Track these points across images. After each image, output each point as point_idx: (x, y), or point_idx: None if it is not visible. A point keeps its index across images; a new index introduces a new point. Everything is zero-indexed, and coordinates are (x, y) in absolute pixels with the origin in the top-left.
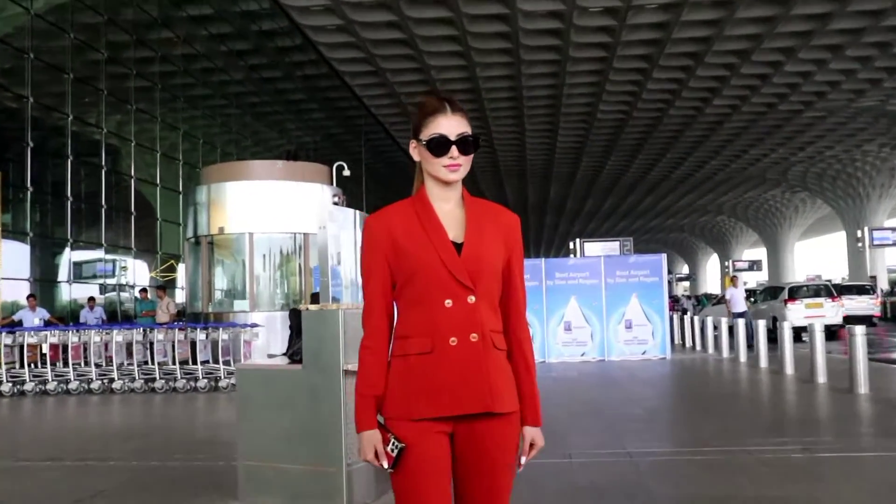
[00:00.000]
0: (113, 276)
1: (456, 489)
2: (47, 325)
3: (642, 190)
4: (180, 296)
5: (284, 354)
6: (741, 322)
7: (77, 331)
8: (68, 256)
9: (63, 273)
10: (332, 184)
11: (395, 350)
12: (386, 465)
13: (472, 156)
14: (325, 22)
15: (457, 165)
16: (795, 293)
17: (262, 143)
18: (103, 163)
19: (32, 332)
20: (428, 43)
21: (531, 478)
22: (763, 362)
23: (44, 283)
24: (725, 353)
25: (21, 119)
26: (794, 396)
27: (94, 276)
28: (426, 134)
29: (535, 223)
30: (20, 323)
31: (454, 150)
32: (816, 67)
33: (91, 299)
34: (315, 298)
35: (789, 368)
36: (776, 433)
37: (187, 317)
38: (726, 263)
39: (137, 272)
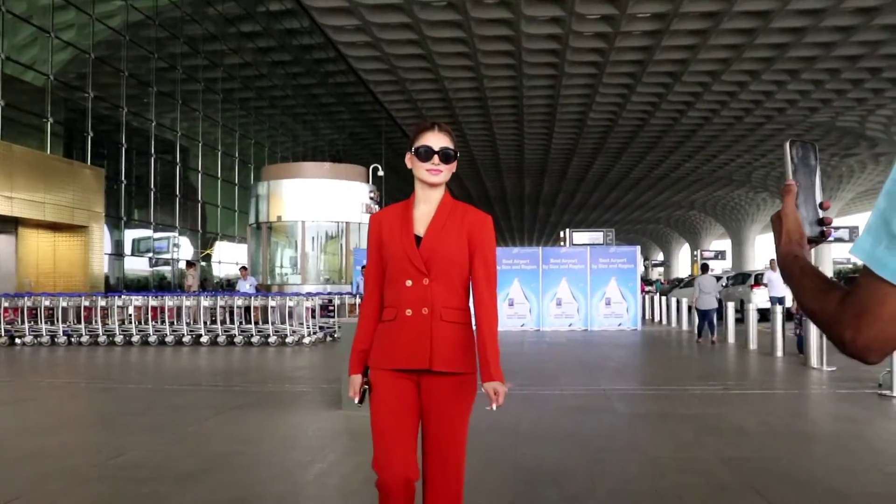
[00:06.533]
0: (175, 250)
1: (422, 430)
2: (257, 290)
3: (625, 186)
4: (216, 269)
5: None
6: (779, 308)
7: (172, 297)
8: (151, 236)
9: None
10: (368, 181)
11: (382, 316)
12: (356, 401)
13: (452, 165)
14: (355, 39)
15: (437, 170)
16: (760, 279)
17: (296, 139)
18: (177, 159)
19: (139, 296)
20: (443, 58)
21: (538, 403)
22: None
23: (132, 257)
24: (685, 326)
25: (117, 125)
26: (723, 356)
27: (165, 251)
28: (416, 145)
29: (529, 213)
30: (236, 288)
31: (436, 158)
32: (777, 87)
33: (244, 268)
34: None
35: (753, 344)
36: (708, 379)
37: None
38: (695, 252)
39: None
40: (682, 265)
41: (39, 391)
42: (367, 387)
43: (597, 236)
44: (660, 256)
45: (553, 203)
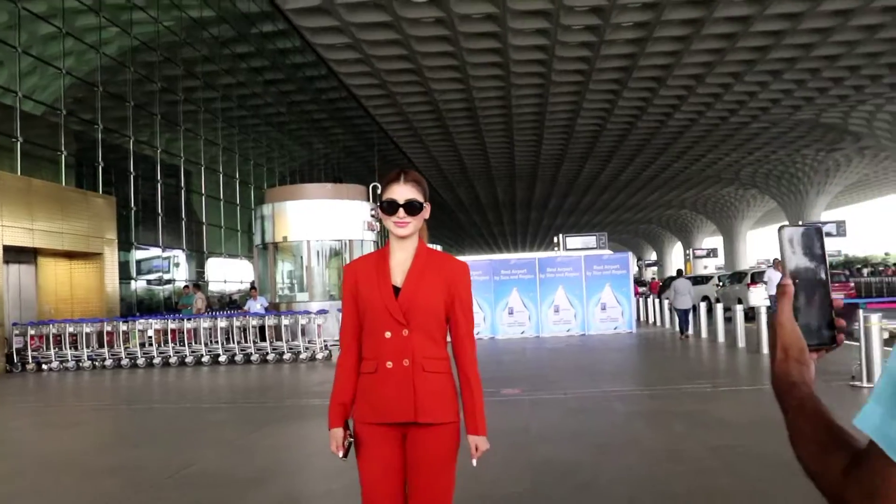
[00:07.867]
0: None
1: (407, 482)
2: (267, 310)
3: (616, 188)
4: (217, 287)
5: None
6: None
7: (190, 319)
8: (159, 255)
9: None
10: (368, 199)
11: (361, 368)
12: (340, 455)
13: (420, 216)
14: (346, 56)
15: (404, 223)
16: (756, 278)
17: (291, 155)
18: (182, 183)
19: (158, 320)
20: (432, 71)
21: (545, 406)
22: (703, 334)
23: (142, 280)
24: (677, 327)
25: (125, 153)
26: (712, 354)
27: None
28: (383, 198)
29: (521, 218)
30: (247, 308)
31: (401, 211)
32: (760, 88)
33: (253, 288)
34: None
35: (741, 342)
36: (698, 378)
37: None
38: (688, 251)
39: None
40: (676, 264)
41: (87, 414)
42: (351, 440)
43: (590, 240)
44: (653, 256)
45: (545, 207)
